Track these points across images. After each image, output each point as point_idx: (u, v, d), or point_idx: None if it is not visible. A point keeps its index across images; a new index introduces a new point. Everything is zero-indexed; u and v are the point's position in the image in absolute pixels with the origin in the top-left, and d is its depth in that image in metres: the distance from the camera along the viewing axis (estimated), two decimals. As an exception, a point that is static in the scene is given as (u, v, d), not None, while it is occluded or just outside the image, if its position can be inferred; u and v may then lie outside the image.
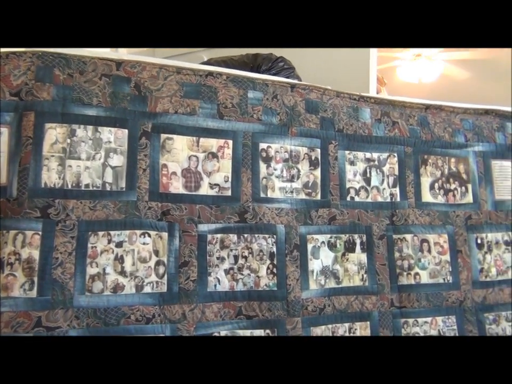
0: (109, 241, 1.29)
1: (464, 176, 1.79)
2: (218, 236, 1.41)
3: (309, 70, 1.95)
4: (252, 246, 1.45)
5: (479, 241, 1.75)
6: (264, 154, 1.51)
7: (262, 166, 1.50)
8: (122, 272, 1.29)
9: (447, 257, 1.69)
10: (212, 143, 1.44)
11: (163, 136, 1.39)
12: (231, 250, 1.42)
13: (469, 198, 1.78)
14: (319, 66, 1.98)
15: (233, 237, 1.43)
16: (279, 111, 1.54)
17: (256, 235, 1.45)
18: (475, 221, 1.76)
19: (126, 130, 1.35)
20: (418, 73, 3.71)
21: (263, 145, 1.51)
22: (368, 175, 1.66)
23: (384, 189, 1.67)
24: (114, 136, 1.34)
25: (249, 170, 1.47)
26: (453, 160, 1.78)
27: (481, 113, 1.86)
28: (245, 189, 1.46)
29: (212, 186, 1.43)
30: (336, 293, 1.53)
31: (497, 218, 1.79)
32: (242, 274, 1.42)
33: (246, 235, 1.44)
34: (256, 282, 1.43)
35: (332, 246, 1.56)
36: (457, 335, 1.64)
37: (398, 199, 1.68)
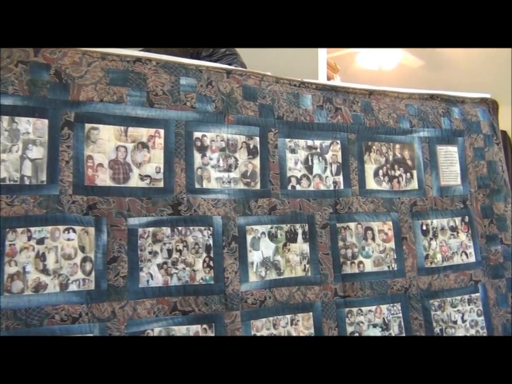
0: (29, 238, 1.23)
1: (409, 162, 1.79)
2: (150, 229, 1.37)
3: (254, 55, 1.90)
4: (187, 239, 1.41)
5: (424, 227, 1.75)
6: (198, 143, 1.46)
7: (197, 156, 1.46)
8: (45, 270, 1.23)
9: (391, 244, 1.70)
10: (142, 133, 1.39)
11: (87, 126, 1.33)
12: (164, 244, 1.38)
13: (414, 185, 1.78)
14: (265, 52, 1.93)
15: (167, 230, 1.39)
16: (214, 98, 1.49)
17: (191, 227, 1.42)
18: (420, 208, 1.76)
19: (46, 120, 1.28)
20: (378, 60, 3.72)
21: (197, 134, 1.46)
22: (310, 163, 1.64)
23: (327, 177, 1.65)
24: (33, 127, 1.27)
25: (182, 160, 1.43)
26: (397, 146, 1.78)
27: (427, 98, 1.86)
28: (178, 180, 1.42)
29: (142, 177, 1.38)
30: (277, 284, 1.51)
31: (442, 204, 1.80)
32: (176, 268, 1.38)
33: (180, 228, 1.40)
34: (192, 276, 1.40)
35: (272, 237, 1.54)
36: (402, 323, 1.64)
37: (342, 187, 1.67)
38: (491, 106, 1.95)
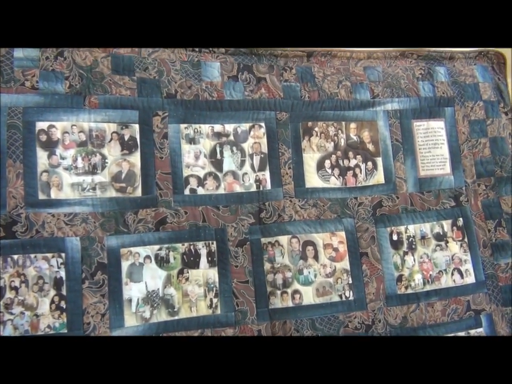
0: None
1: (370, 147, 1.32)
2: (-30, 260, 1.02)
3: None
4: (26, 271, 1.05)
5: (394, 237, 1.28)
6: (43, 137, 1.10)
7: (42, 155, 1.09)
8: None
9: (344, 264, 1.24)
10: (-45, 127, 1.05)
11: None
12: (-7, 279, 1.03)
13: (379, 178, 1.31)
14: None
15: (-5, 261, 1.03)
16: (67, 74, 1.12)
17: (33, 255, 1.06)
18: (388, 209, 1.29)
19: None
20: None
21: (42, 125, 1.10)
22: (219, 155, 1.22)
23: (245, 173, 1.23)
24: None
25: (19, 162, 1.07)
26: (352, 125, 1.32)
27: (396, 57, 1.39)
28: (12, 190, 1.06)
29: (-45, 189, 1.03)
30: (169, 328, 1.12)
31: (423, 203, 1.32)
32: (11, 313, 1.03)
33: (15, 256, 1.05)
34: (34, 323, 1.04)
35: (162, 262, 1.14)
36: (362, 375, 1.19)
37: (268, 187, 1.24)
38: (495, 62, 1.44)
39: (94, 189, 1.12)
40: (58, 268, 1.07)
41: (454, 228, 1.33)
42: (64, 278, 1.07)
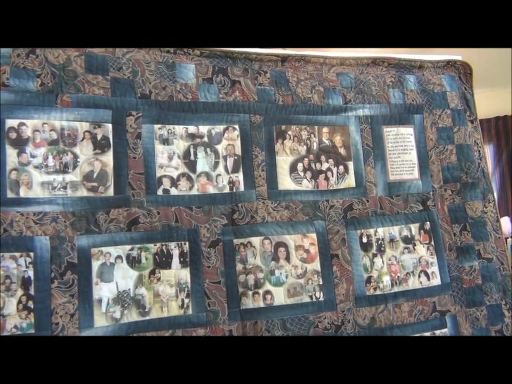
0: None
1: (341, 151, 1.35)
2: None
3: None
4: (-7, 270, 1.02)
5: (364, 239, 1.31)
6: (13, 135, 1.08)
7: (11, 153, 1.07)
8: None
9: (315, 265, 1.26)
10: None
11: None
12: (-43, 279, 1.00)
13: (350, 181, 1.34)
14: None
15: (-40, 260, 1.01)
16: (39, 72, 1.11)
17: (0, 254, 1.03)
18: (358, 212, 1.32)
19: None
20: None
21: (12, 122, 1.08)
22: (192, 157, 1.22)
23: (219, 175, 1.24)
24: None
25: (-13, 160, 1.05)
26: (325, 130, 1.35)
27: (368, 64, 1.42)
28: (-20, 188, 1.03)
29: None
30: (140, 328, 1.11)
31: (391, 207, 1.35)
32: (-24, 314, 1.00)
33: (-18, 255, 1.02)
34: (0, 324, 1.01)
35: (133, 262, 1.13)
36: (331, 375, 1.20)
37: (241, 189, 1.25)
38: (462, 72, 1.49)
39: (64, 188, 1.10)
40: (27, 267, 1.04)
41: (422, 231, 1.36)
42: (32, 278, 1.04)
